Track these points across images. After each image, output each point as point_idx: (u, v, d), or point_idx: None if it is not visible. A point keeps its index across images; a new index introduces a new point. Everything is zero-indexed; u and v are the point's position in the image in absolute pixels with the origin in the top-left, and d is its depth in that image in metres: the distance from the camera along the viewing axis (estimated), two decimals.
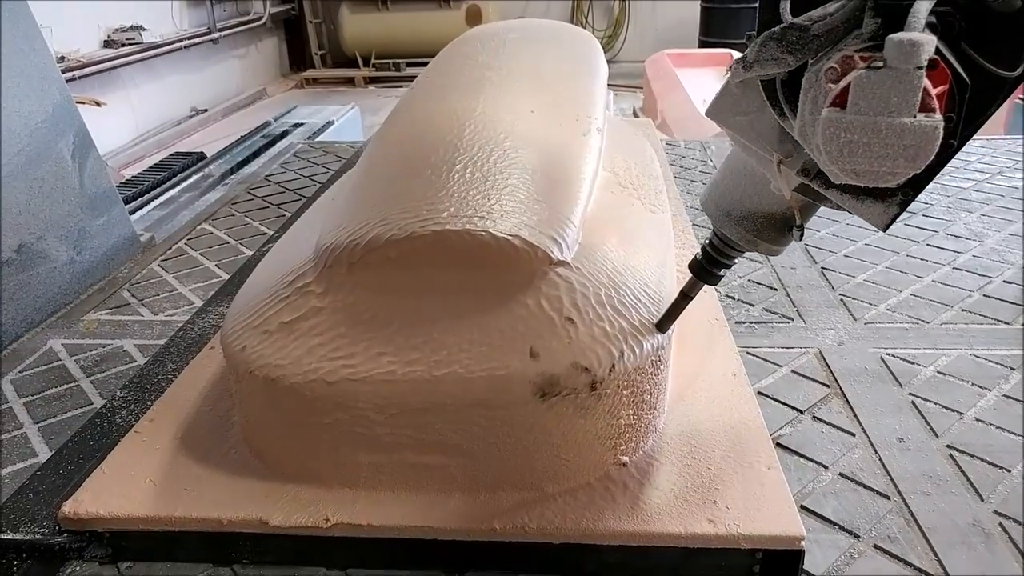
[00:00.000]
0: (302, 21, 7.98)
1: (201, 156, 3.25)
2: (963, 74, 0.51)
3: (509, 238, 0.77)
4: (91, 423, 0.93)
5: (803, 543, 0.70)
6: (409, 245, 0.76)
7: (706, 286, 0.77)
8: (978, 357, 1.08)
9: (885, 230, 0.62)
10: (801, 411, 0.97)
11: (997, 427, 0.92)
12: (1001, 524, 0.78)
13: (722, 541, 0.71)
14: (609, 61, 1.47)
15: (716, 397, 0.90)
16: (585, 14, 7.90)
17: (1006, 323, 1.17)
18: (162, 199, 2.63)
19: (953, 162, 0.58)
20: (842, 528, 0.78)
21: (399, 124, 1.11)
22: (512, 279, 0.76)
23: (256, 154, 3.08)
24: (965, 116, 0.55)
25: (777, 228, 0.70)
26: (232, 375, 0.80)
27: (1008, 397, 0.98)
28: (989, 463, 0.87)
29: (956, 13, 0.54)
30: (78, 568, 0.77)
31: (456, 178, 0.86)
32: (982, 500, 0.81)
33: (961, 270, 1.35)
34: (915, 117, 0.48)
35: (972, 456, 0.88)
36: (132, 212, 2.44)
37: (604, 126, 1.18)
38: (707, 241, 0.74)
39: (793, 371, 1.06)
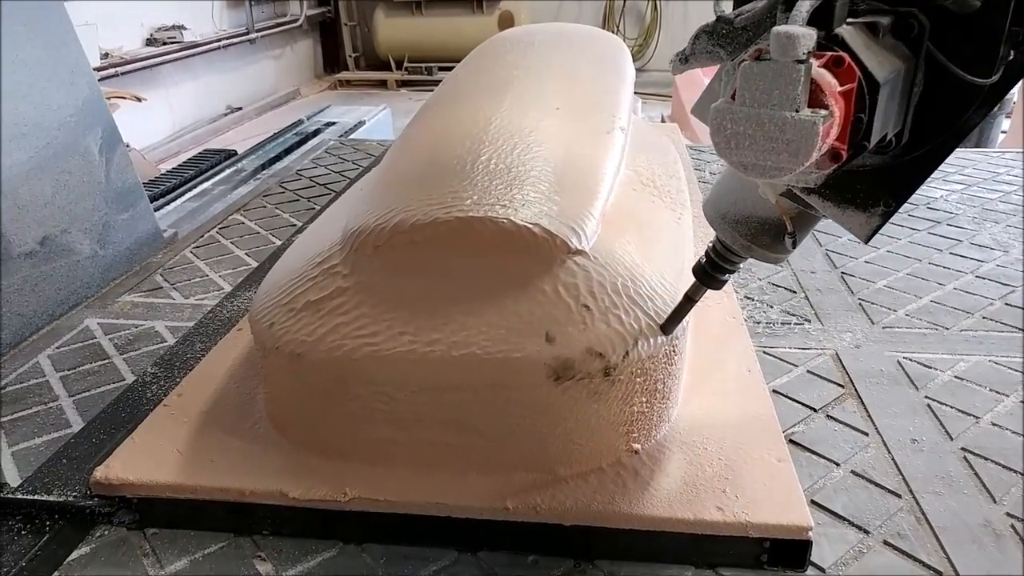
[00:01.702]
0: (337, 24, 8.10)
1: (232, 153, 3.33)
2: (873, 73, 0.50)
3: (529, 226, 0.79)
4: (123, 396, 0.96)
5: (811, 534, 0.71)
6: (433, 230, 0.79)
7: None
8: (997, 363, 1.07)
9: (867, 241, 0.62)
10: (815, 409, 0.98)
11: (1013, 432, 0.92)
12: (1012, 525, 0.78)
13: (730, 528, 0.72)
14: (639, 69, 1.49)
15: (730, 391, 0.91)
16: (617, 22, 7.92)
17: None
18: (195, 192, 2.69)
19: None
20: (851, 523, 0.79)
21: (427, 119, 1.13)
22: (531, 266, 0.78)
23: (288, 151, 3.15)
24: (937, 123, 0.56)
25: (771, 235, 0.70)
26: (259, 351, 0.83)
27: None
28: (1003, 466, 0.87)
29: (918, 14, 0.54)
30: (107, 532, 0.80)
31: (480, 169, 0.88)
32: (995, 502, 0.82)
33: (984, 279, 1.34)
34: (798, 111, 0.47)
35: (986, 459, 0.88)
36: (164, 205, 2.51)
37: (628, 126, 1.19)
38: (710, 245, 0.74)
39: (809, 371, 1.07)
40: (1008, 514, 0.80)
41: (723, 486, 0.76)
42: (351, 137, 3.12)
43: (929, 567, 0.73)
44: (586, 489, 0.76)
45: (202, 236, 1.60)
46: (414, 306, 0.77)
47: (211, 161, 3.03)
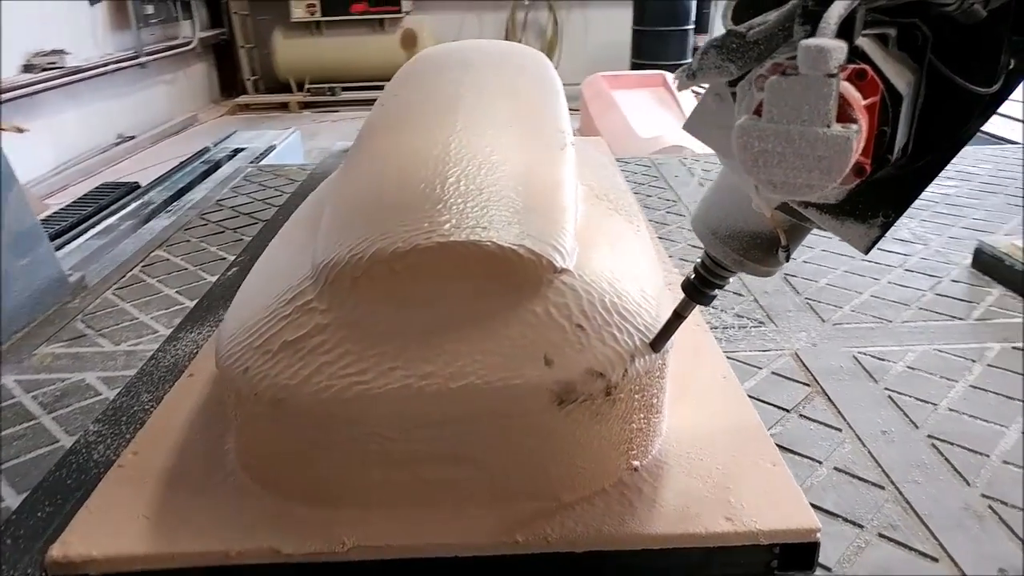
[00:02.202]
0: (233, 46, 7.84)
1: (135, 185, 3.15)
2: (895, 85, 0.50)
3: (515, 247, 0.77)
4: (64, 461, 0.88)
5: (819, 535, 0.72)
6: (415, 257, 0.75)
7: None
8: (941, 352, 1.13)
9: (866, 253, 0.61)
10: (787, 410, 1.00)
11: (970, 416, 0.97)
12: (990, 506, 0.81)
13: (742, 538, 0.72)
14: None
15: (711, 399, 0.92)
16: (519, 37, 8.02)
17: (960, 319, 1.23)
18: (98, 229, 2.53)
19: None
20: (845, 519, 0.80)
21: (376, 142, 1.10)
22: (519, 288, 0.76)
23: (197, 180, 3.01)
24: (940, 133, 0.55)
25: (763, 248, 0.69)
26: (231, 399, 0.78)
27: (975, 387, 1.03)
28: (969, 450, 0.91)
29: (921, 25, 0.54)
30: None
31: (451, 190, 0.85)
32: (968, 485, 0.85)
33: (913, 272, 1.41)
34: (829, 127, 0.46)
35: (952, 444, 0.92)
36: (64, 245, 2.33)
37: (573, 141, 1.20)
38: (699, 261, 0.73)
39: (773, 372, 1.09)
40: (983, 495, 0.83)
41: (726, 496, 0.76)
42: (264, 163, 3.01)
43: (925, 555, 0.76)
44: (594, 513, 0.74)
45: (123, 276, 1.50)
46: (402, 338, 0.73)
47: (112, 195, 2.86)
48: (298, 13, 7.30)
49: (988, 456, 0.89)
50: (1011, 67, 0.55)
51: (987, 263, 1.36)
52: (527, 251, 0.77)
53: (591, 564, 0.73)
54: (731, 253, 0.70)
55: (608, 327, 0.76)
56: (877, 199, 0.60)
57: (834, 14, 0.46)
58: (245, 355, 0.76)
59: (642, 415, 0.78)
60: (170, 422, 0.89)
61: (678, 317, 0.75)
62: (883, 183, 0.59)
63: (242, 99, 7.59)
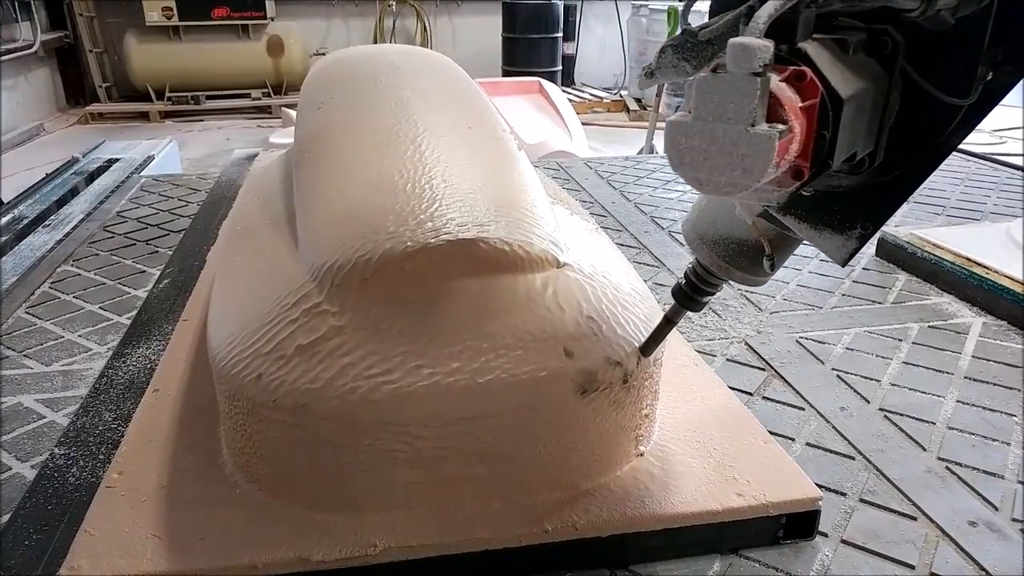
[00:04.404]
0: (80, 50, 7.29)
1: None
2: (837, 89, 0.49)
3: (522, 244, 0.78)
4: (37, 486, 0.80)
5: (820, 503, 0.77)
6: (424, 256, 0.75)
7: None
8: (872, 333, 1.23)
9: (843, 265, 0.63)
10: (751, 393, 1.06)
11: (911, 389, 1.07)
12: (948, 468, 0.90)
13: (754, 511, 0.76)
14: None
15: (690, 385, 0.96)
16: (387, 43, 7.96)
17: (879, 303, 1.35)
18: None
19: None
20: (828, 489, 0.86)
21: (337, 144, 1.07)
22: (527, 284, 0.78)
23: (71, 193, 2.79)
24: (913, 143, 0.56)
25: (749, 256, 0.70)
26: (238, 408, 0.74)
27: (907, 363, 1.14)
28: (917, 419, 1.00)
29: (893, 32, 0.54)
30: None
31: (441, 189, 0.86)
32: (924, 450, 0.94)
33: (827, 262, 1.53)
34: (753, 125, 0.45)
35: (902, 415, 1.01)
36: None
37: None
38: (689, 267, 0.74)
39: (728, 359, 1.16)
40: (939, 459, 0.92)
41: (731, 473, 0.80)
42: (159, 173, 2.83)
43: (904, 515, 0.83)
44: (615, 498, 0.76)
45: (32, 294, 1.38)
46: (422, 337, 0.73)
47: None
48: (153, 17, 6.89)
49: (935, 424, 0.99)
50: (989, 78, 0.56)
51: (891, 252, 1.50)
52: (533, 247, 0.79)
53: (615, 547, 0.75)
54: (717, 260, 0.70)
55: (615, 317, 0.79)
56: (854, 210, 0.61)
57: (764, 14, 0.46)
58: (254, 362, 0.73)
59: (650, 401, 0.81)
60: (149, 439, 0.84)
61: (668, 323, 0.76)
62: (859, 193, 0.60)
63: (94, 107, 7.07)
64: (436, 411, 0.70)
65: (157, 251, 1.58)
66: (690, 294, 0.74)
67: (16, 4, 6.29)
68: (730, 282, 0.74)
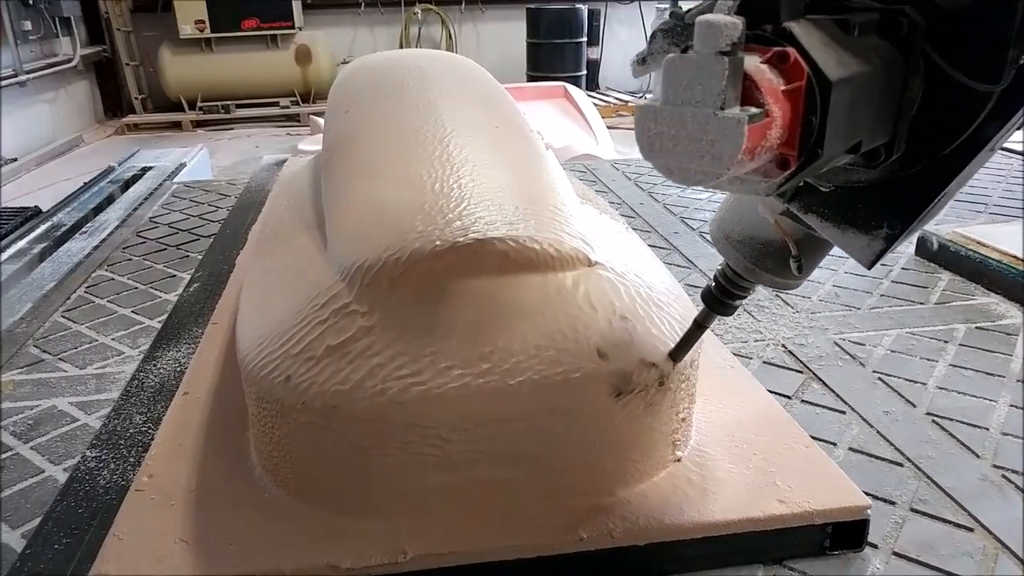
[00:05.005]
0: (117, 63, 7.43)
1: (36, 210, 2.93)
2: (825, 71, 0.45)
3: (552, 242, 0.76)
4: (68, 490, 0.80)
5: (869, 512, 0.74)
6: (453, 255, 0.74)
7: None
8: (914, 334, 1.19)
9: (869, 267, 0.58)
10: (789, 397, 1.03)
11: (960, 392, 1.03)
12: (1004, 476, 0.86)
13: (798, 519, 0.73)
14: None
15: (727, 388, 0.94)
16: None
17: (921, 303, 1.30)
18: (9, 253, 2.34)
19: None
20: (876, 497, 0.83)
21: (367, 146, 1.06)
22: (559, 283, 0.76)
23: (108, 201, 2.83)
24: (937, 134, 0.51)
25: (776, 258, 0.66)
26: (267, 410, 0.73)
27: (954, 366, 1.10)
28: (968, 424, 0.96)
29: (910, 12, 0.49)
30: None
31: (469, 188, 0.84)
32: (978, 457, 0.90)
33: None
34: (722, 108, 0.42)
35: (951, 419, 0.97)
36: None
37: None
38: (719, 270, 0.71)
39: (765, 362, 1.13)
40: (995, 466, 0.88)
41: (772, 479, 0.77)
42: (190, 180, 2.86)
43: (960, 526, 0.79)
44: (651, 505, 0.74)
45: (68, 298, 1.39)
46: (452, 337, 0.71)
47: (14, 220, 2.64)
48: (187, 30, 7.00)
49: (987, 429, 0.94)
50: (1022, 61, 0.50)
51: (932, 251, 1.45)
52: (564, 245, 0.77)
53: (652, 556, 0.72)
54: (743, 261, 0.67)
55: (649, 317, 0.76)
56: (879, 208, 0.56)
57: None
58: (284, 363, 0.71)
59: (687, 404, 0.78)
60: (179, 442, 0.83)
61: (699, 327, 0.73)
62: (884, 190, 0.55)
63: (130, 118, 7.19)
64: (466, 413, 0.69)
65: (188, 255, 1.59)
66: (720, 297, 0.71)
67: (57, 20, 6.43)
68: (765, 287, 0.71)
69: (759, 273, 0.67)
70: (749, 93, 0.43)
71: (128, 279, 1.46)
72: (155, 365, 1.06)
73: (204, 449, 0.81)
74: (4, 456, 0.91)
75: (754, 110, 0.42)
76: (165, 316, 1.26)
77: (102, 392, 1.04)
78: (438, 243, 0.74)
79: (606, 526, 0.71)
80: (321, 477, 0.72)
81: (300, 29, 7.29)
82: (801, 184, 0.58)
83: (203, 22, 7.02)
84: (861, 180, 0.56)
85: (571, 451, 0.72)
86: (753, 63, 0.44)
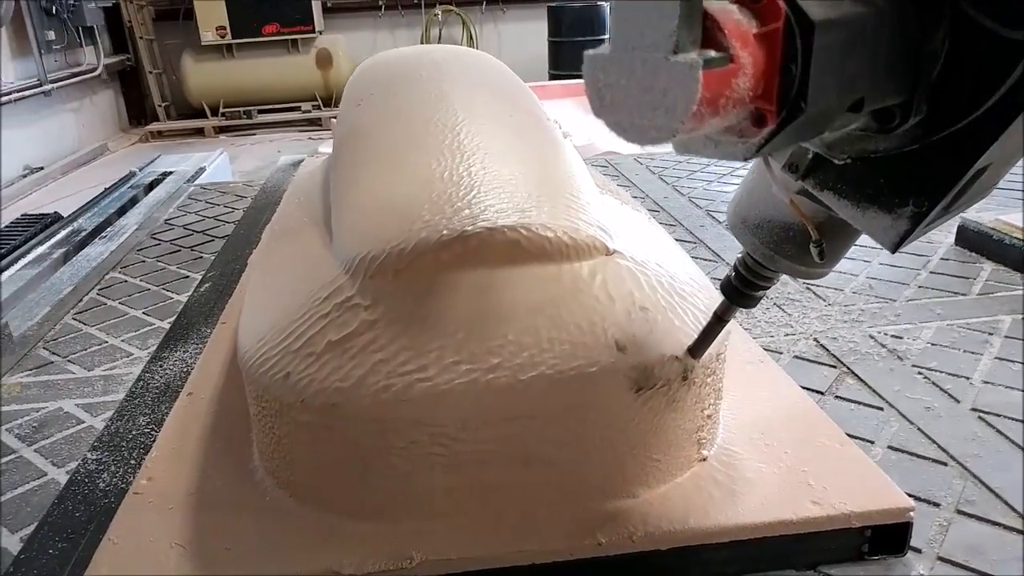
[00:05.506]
0: (140, 72, 7.52)
1: (57, 216, 2.95)
2: (807, 10, 0.38)
3: (567, 229, 0.72)
4: (67, 493, 0.77)
5: (912, 514, 0.69)
6: (461, 245, 0.70)
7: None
8: (954, 326, 1.13)
9: (893, 251, 0.51)
10: (822, 392, 0.98)
11: (1007, 387, 0.96)
12: None
13: (833, 522, 0.68)
14: None
15: (756, 383, 0.88)
16: None
17: (963, 294, 1.24)
18: (28, 259, 2.35)
19: None
20: (919, 499, 0.77)
21: (377, 136, 1.03)
22: (574, 272, 0.71)
23: (130, 204, 2.84)
24: (966, 94, 0.44)
25: (797, 243, 0.60)
26: (266, 409, 0.69)
27: (1000, 359, 1.03)
28: (1017, 420, 0.90)
29: None
30: None
31: (479, 177, 0.80)
32: None
33: (899, 253, 1.41)
34: (675, 53, 0.37)
35: (999, 415, 0.91)
36: None
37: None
38: (738, 259, 0.65)
39: (796, 356, 1.07)
40: None
41: (805, 479, 0.72)
42: (199, 182, 2.86)
43: (1012, 529, 0.73)
44: (675, 507, 0.69)
45: (80, 300, 1.37)
46: (460, 331, 0.67)
47: (36, 227, 2.66)
48: (208, 36, 7.07)
49: None
50: None
51: (972, 239, 1.38)
52: (580, 233, 0.72)
53: (676, 562, 0.68)
54: (761, 247, 0.62)
55: (672, 308, 0.72)
56: (903, 182, 0.49)
57: None
58: (283, 360, 0.68)
59: (713, 400, 0.74)
60: (180, 444, 0.80)
61: (719, 321, 0.67)
62: (907, 162, 0.48)
63: (154, 126, 7.27)
64: (475, 411, 0.64)
65: (201, 256, 1.57)
66: (740, 288, 0.65)
67: (80, 29, 6.51)
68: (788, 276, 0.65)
69: (778, 260, 0.61)
70: (712, 36, 0.37)
71: (141, 280, 1.45)
72: (161, 366, 1.03)
73: (206, 451, 0.78)
74: (7, 459, 0.88)
75: (713, 54, 0.37)
76: (175, 317, 1.24)
77: (109, 394, 1.01)
78: (445, 232, 0.70)
79: (626, 530, 0.66)
80: (323, 479, 0.69)
81: (320, 33, 7.32)
82: (810, 156, 0.52)
83: (224, 28, 7.08)
84: (879, 150, 0.49)
85: (588, 451, 0.68)
86: (720, 2, 0.38)
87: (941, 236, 1.48)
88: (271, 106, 7.32)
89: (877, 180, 0.50)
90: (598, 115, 0.41)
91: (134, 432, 0.87)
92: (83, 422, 0.96)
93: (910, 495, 0.75)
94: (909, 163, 0.48)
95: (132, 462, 0.80)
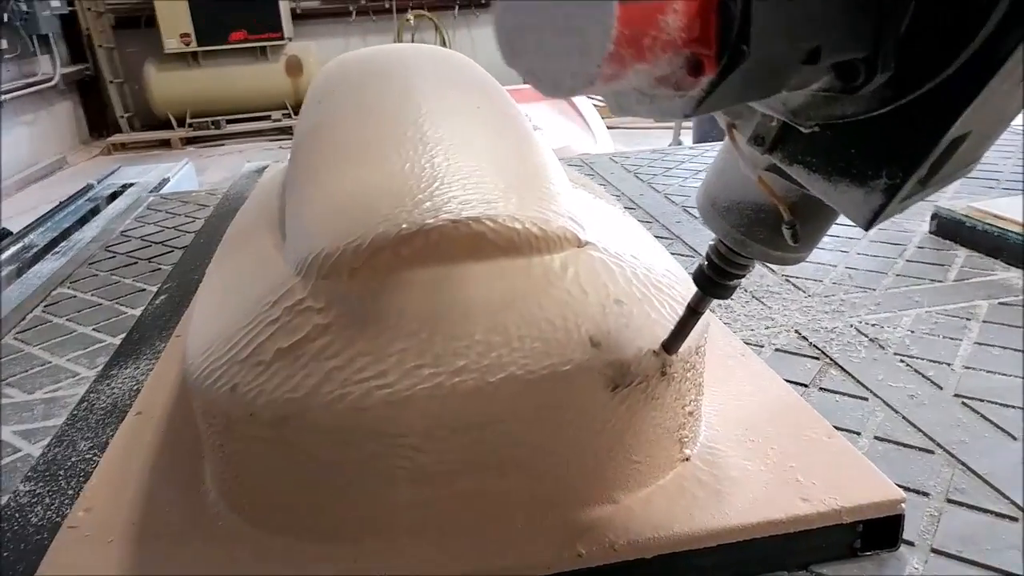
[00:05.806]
0: (100, 81, 7.36)
1: (6, 232, 2.85)
2: None
3: (535, 220, 0.67)
4: None
5: (904, 506, 0.65)
6: (423, 240, 0.65)
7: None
8: (933, 313, 1.11)
9: (867, 228, 0.47)
10: (806, 385, 0.94)
11: (988, 371, 0.94)
12: None
13: (824, 519, 0.64)
14: None
15: (738, 378, 0.85)
16: None
17: (939, 281, 1.22)
18: None
19: None
20: (908, 489, 0.74)
21: (336, 132, 0.98)
22: (544, 265, 0.67)
23: (84, 219, 2.74)
24: (937, 49, 0.40)
25: (769, 226, 0.56)
26: (213, 425, 0.64)
27: (980, 344, 1.01)
28: (1000, 404, 0.87)
29: None
30: None
31: (443, 168, 0.75)
32: (1014, 439, 0.81)
33: (876, 242, 1.40)
34: None
35: (982, 400, 0.88)
36: None
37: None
38: (711, 246, 0.61)
39: (778, 349, 1.04)
40: None
41: (793, 475, 0.68)
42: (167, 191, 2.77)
43: (1004, 516, 0.70)
44: (658, 512, 0.65)
45: (24, 318, 1.30)
46: (422, 331, 0.62)
47: None
48: (172, 44, 6.93)
49: (1021, 408, 0.86)
50: None
51: (946, 227, 1.36)
52: (549, 224, 0.68)
53: (662, 569, 0.63)
54: (731, 230, 0.57)
55: (648, 300, 0.68)
56: (875, 151, 0.45)
57: None
58: (230, 371, 0.62)
59: (694, 395, 0.70)
60: (124, 469, 0.74)
61: (693, 313, 0.63)
62: (879, 127, 0.44)
63: (117, 138, 7.11)
64: (440, 417, 0.60)
65: (159, 268, 1.50)
66: (713, 278, 0.61)
67: (34, 38, 6.35)
68: (762, 263, 0.61)
69: (750, 244, 0.57)
70: None
71: (91, 295, 1.38)
72: (109, 385, 0.97)
73: (152, 475, 0.72)
74: None
75: None
76: (126, 332, 1.17)
77: (50, 418, 0.94)
78: (404, 226, 0.65)
79: (607, 539, 0.62)
80: (278, 499, 0.63)
81: (290, 40, 7.23)
82: (777, 126, 0.47)
83: (188, 36, 6.94)
84: (847, 114, 0.44)
85: (565, 455, 0.63)
86: None
87: (915, 224, 1.46)
88: (240, 115, 7.20)
89: (848, 150, 0.45)
90: (510, 64, 0.37)
91: (74, 459, 0.81)
92: (20, 450, 0.89)
93: (900, 486, 0.72)
94: (880, 129, 0.44)
95: (70, 492, 0.74)
